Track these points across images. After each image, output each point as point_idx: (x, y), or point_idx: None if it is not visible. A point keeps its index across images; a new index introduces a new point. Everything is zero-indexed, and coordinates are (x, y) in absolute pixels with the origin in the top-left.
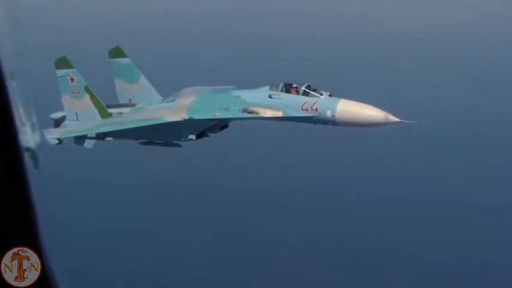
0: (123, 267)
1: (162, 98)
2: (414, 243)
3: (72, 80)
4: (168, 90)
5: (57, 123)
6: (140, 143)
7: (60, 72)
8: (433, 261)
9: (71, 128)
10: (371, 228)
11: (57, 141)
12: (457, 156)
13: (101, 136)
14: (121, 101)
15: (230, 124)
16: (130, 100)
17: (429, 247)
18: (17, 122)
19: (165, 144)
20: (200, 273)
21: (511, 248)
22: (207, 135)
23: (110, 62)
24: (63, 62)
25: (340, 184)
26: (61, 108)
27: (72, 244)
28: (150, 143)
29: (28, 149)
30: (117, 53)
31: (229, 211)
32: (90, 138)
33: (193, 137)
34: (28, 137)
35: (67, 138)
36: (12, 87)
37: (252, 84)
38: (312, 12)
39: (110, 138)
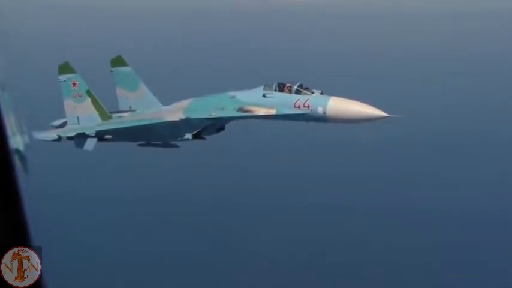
0: (122, 271)
1: (162, 105)
2: (413, 247)
3: (74, 84)
4: (168, 98)
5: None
6: (138, 145)
7: (63, 77)
8: (435, 264)
9: (71, 128)
10: (369, 234)
11: (56, 137)
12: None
13: (100, 135)
14: (122, 109)
15: (226, 126)
16: (130, 107)
17: (429, 250)
18: (8, 132)
19: (163, 145)
20: (196, 278)
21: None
22: (204, 138)
23: (111, 71)
24: (66, 68)
25: (337, 190)
26: (62, 116)
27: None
28: (148, 144)
29: (17, 152)
30: (118, 61)
31: (226, 215)
32: (90, 137)
33: (189, 136)
34: (18, 142)
35: (66, 136)
36: (3, 98)
37: (249, 85)
38: (310, 17)
39: (109, 136)
